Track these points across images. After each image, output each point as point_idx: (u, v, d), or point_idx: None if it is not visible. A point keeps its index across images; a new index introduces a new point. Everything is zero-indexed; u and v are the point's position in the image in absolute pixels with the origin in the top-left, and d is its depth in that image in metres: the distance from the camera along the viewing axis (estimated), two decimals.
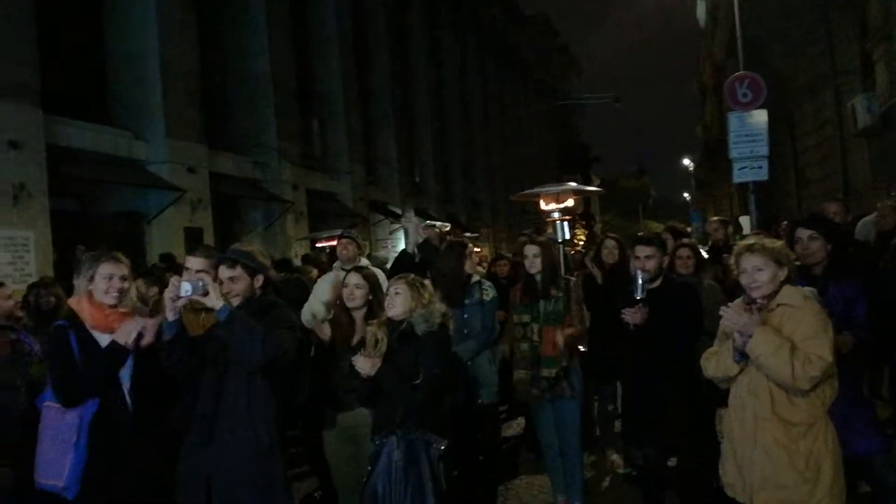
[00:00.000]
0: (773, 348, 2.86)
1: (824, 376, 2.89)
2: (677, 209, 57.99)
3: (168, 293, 3.16)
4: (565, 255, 6.36)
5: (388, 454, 3.27)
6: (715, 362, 3.18)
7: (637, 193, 72.75)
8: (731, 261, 3.21)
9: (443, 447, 3.21)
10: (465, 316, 4.57)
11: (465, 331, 4.53)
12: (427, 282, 3.52)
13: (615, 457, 5.86)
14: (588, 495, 4.85)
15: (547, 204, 11.12)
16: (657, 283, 4.22)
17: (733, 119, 9.79)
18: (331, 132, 20.07)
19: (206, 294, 3.12)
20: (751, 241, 3.26)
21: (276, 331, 3.25)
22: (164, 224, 12.80)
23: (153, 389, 3.37)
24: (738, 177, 9.96)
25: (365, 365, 3.34)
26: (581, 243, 13.52)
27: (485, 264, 8.76)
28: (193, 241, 12.08)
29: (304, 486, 5.46)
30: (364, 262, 5.53)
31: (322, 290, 5.06)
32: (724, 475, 3.19)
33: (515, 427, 7.17)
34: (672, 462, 4.47)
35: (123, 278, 3.33)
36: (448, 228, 16.78)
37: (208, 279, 3.20)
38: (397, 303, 3.45)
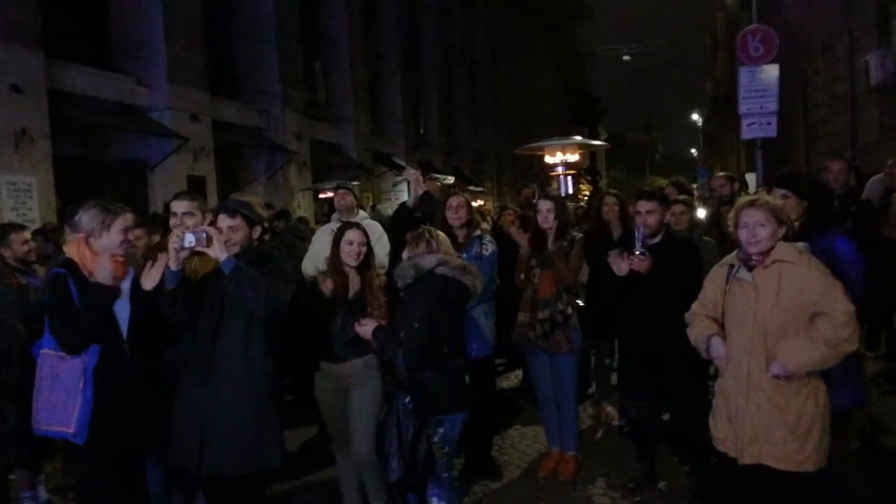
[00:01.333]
0: (800, 349, 2.89)
1: None
2: (684, 165, 57.55)
3: (172, 243, 3.16)
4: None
5: (395, 405, 3.39)
6: (694, 336, 3.28)
7: (644, 149, 72.21)
8: (731, 215, 3.18)
9: (408, 401, 3.29)
10: None
11: None
12: (417, 236, 3.53)
13: (610, 409, 5.94)
14: (582, 446, 4.92)
15: (551, 157, 11.08)
16: (658, 239, 4.22)
17: (744, 74, 9.59)
18: (336, 79, 19.81)
19: (209, 245, 3.13)
20: (754, 196, 3.24)
21: (277, 283, 3.29)
22: (166, 172, 12.72)
23: (151, 335, 3.41)
24: (747, 133, 9.81)
25: (364, 330, 3.47)
26: (585, 198, 13.46)
27: (489, 218, 8.71)
28: (196, 190, 12.04)
29: (304, 433, 5.55)
30: (362, 214, 5.51)
31: (322, 242, 5.06)
32: (716, 430, 3.22)
33: (513, 379, 7.26)
34: (666, 416, 4.52)
35: (132, 230, 3.43)
36: (452, 181, 16.72)
37: (212, 230, 3.21)
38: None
